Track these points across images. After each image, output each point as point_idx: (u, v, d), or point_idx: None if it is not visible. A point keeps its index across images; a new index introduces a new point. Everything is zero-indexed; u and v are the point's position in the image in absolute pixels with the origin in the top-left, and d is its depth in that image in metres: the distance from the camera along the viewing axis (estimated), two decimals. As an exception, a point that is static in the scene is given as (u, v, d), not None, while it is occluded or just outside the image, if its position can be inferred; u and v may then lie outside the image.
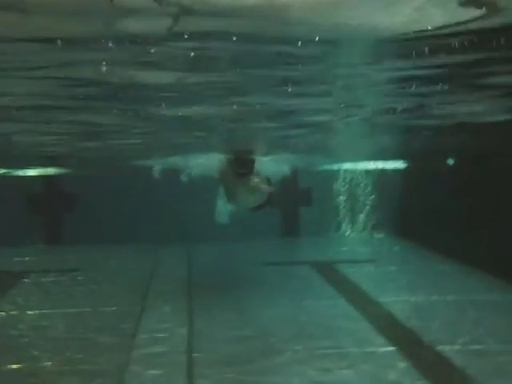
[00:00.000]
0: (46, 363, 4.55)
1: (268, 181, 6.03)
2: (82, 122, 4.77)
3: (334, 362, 4.43)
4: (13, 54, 2.77)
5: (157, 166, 7.83)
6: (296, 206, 10.16)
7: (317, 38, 2.48)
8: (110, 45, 2.51)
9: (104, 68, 3.00)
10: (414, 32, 2.46)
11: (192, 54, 2.68)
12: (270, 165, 6.51)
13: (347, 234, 10.46)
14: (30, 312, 6.04)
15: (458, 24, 2.36)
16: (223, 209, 6.61)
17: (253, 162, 5.68)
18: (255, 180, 5.58)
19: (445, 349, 4.67)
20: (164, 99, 3.89)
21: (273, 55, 2.80)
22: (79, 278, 7.54)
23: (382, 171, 10.26)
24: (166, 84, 3.41)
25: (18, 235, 9.46)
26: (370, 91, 3.77)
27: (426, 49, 2.76)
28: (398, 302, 6.10)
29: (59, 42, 2.50)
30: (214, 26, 2.32)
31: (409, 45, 2.69)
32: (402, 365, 4.37)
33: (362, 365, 4.38)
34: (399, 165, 10.02)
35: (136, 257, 8.86)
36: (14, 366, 4.49)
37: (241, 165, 5.65)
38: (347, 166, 10.25)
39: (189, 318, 5.62)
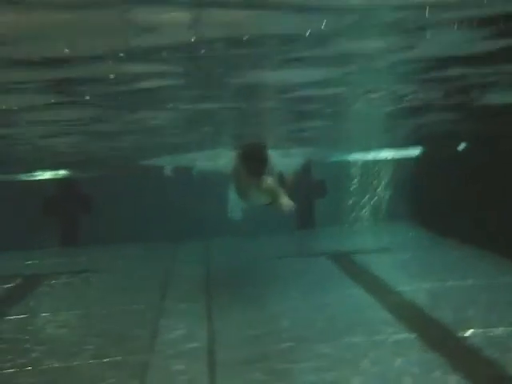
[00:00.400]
0: (74, 362, 4.62)
1: (281, 176, 5.99)
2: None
3: (355, 353, 4.43)
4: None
5: (169, 164, 7.86)
6: (310, 198, 10.15)
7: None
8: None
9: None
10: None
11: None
12: (283, 158, 6.49)
13: (362, 223, 10.43)
14: (47, 314, 6.10)
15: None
16: (235, 204, 6.59)
17: (265, 161, 5.62)
18: (268, 182, 5.55)
19: (465, 333, 4.67)
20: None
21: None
22: (96, 279, 7.60)
23: (395, 159, 10.22)
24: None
25: (33, 238, 9.53)
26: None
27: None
28: (415, 289, 6.10)
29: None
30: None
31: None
32: (424, 351, 4.38)
33: (383, 354, 4.39)
34: (412, 152, 9.98)
35: (152, 255, 8.91)
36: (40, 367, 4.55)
37: (253, 165, 5.59)
38: (360, 155, 10.21)
39: (208, 315, 5.64)
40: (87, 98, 3.95)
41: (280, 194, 5.50)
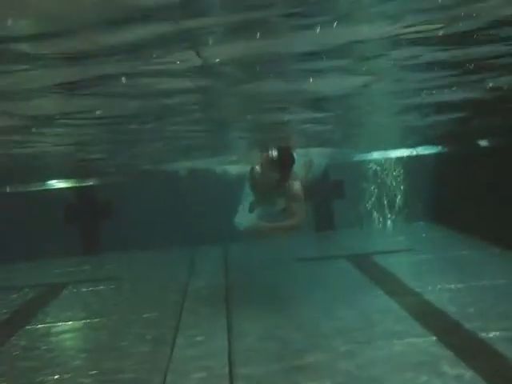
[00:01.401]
0: (88, 372, 4.62)
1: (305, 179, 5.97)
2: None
3: (374, 355, 4.39)
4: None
5: (187, 169, 7.89)
6: (329, 200, 10.10)
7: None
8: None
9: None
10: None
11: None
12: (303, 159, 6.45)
13: (382, 224, 10.34)
14: (71, 322, 6.15)
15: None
16: (244, 213, 6.58)
17: (293, 165, 5.62)
18: (295, 187, 5.57)
19: (487, 336, 4.58)
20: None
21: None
22: (117, 286, 7.63)
23: (414, 158, 10.10)
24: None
25: (55, 247, 9.61)
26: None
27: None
28: (436, 290, 6.01)
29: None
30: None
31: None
32: (444, 354, 4.30)
33: (404, 357, 4.33)
34: (431, 150, 9.86)
35: (172, 261, 8.95)
36: (57, 377, 4.57)
37: (284, 169, 5.58)
38: (378, 155, 10.13)
39: (228, 319, 5.62)
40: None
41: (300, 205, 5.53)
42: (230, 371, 4.32)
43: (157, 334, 5.41)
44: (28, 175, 8.89)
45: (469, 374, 3.94)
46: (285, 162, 5.64)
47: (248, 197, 6.38)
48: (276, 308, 5.81)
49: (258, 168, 5.94)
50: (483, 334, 4.61)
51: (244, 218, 6.51)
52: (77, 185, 9.97)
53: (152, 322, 5.83)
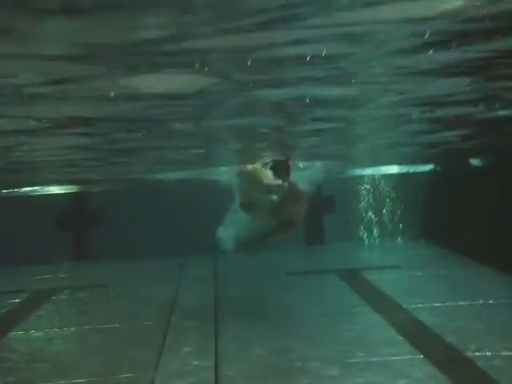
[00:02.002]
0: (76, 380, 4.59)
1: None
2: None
3: (360, 372, 4.37)
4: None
5: (178, 178, 7.89)
6: (320, 214, 10.10)
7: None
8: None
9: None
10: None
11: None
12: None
13: (372, 240, 10.35)
14: (59, 329, 6.12)
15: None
16: (226, 235, 6.59)
17: (289, 170, 5.63)
18: (299, 187, 5.58)
19: (474, 355, 4.58)
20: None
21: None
22: (106, 294, 7.62)
23: (407, 175, 10.15)
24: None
25: (44, 252, 9.56)
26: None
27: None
28: (424, 308, 6.01)
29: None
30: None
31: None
32: (430, 373, 4.29)
33: (390, 374, 4.31)
34: (423, 168, 9.90)
35: (162, 270, 8.90)
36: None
37: (280, 170, 5.59)
38: (370, 171, 10.16)
39: (215, 332, 5.59)
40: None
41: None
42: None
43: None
44: (18, 180, 8.87)
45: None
46: (282, 172, 5.63)
47: (237, 212, 6.37)
48: (263, 325, 5.77)
49: (250, 187, 5.89)
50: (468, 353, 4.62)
51: (230, 231, 6.50)
52: (68, 191, 9.95)
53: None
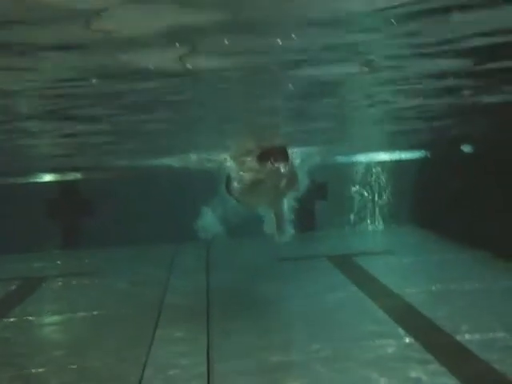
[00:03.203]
0: (68, 366, 4.60)
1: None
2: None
3: (353, 358, 4.39)
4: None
5: (169, 165, 7.84)
6: (312, 200, 10.10)
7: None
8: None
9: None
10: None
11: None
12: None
13: (364, 226, 10.39)
14: (48, 317, 6.13)
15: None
16: (211, 223, 6.56)
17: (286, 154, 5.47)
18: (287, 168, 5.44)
19: (464, 338, 4.62)
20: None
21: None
22: (95, 282, 7.60)
23: (399, 162, 10.17)
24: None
25: (34, 241, 9.53)
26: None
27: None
28: (415, 292, 6.06)
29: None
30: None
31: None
32: (421, 356, 4.33)
33: (382, 358, 4.34)
34: (415, 154, 9.92)
35: (152, 257, 8.89)
36: (39, 370, 4.54)
37: (276, 154, 5.42)
38: (362, 157, 10.17)
39: (207, 318, 5.60)
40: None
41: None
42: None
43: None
44: (8, 169, 8.80)
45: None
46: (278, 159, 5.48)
47: (221, 204, 6.33)
48: (255, 311, 5.79)
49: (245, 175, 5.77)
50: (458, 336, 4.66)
51: (207, 222, 6.50)
52: (58, 179, 9.90)
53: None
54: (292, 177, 5.57)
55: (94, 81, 3.23)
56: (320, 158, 8.09)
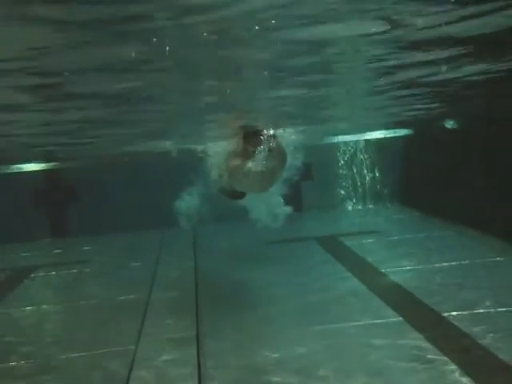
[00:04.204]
0: (59, 356, 4.62)
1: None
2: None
3: (342, 337, 4.45)
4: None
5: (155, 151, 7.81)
6: (298, 181, 10.10)
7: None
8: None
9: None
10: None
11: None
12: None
13: (350, 206, 10.44)
14: (40, 306, 6.12)
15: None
16: (190, 211, 6.54)
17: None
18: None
19: (451, 314, 4.68)
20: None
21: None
22: (86, 270, 7.61)
23: (383, 140, 10.19)
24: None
25: (24, 231, 9.49)
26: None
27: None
28: (402, 271, 6.12)
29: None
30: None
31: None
32: (411, 334, 4.38)
33: (372, 337, 4.39)
34: (399, 133, 9.95)
35: (140, 244, 8.90)
36: (23, 362, 4.55)
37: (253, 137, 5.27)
38: (347, 137, 10.18)
39: (196, 302, 5.64)
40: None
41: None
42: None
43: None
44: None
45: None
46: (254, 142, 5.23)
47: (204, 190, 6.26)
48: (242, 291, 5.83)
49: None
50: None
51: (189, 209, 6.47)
52: (44, 168, 9.84)
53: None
54: (281, 158, 5.50)
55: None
56: (306, 139, 8.05)
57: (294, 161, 6.05)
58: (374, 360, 4.00)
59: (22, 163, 9.70)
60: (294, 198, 10.05)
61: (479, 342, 4.11)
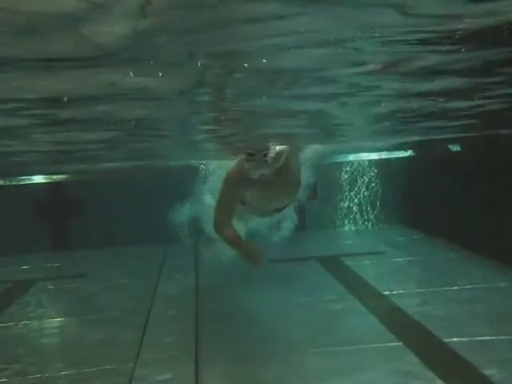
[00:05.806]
0: (58, 373, 4.58)
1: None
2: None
3: (341, 360, 4.40)
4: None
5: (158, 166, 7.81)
6: (301, 201, 10.08)
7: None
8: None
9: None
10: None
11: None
12: None
13: (354, 226, 10.40)
14: (37, 321, 6.09)
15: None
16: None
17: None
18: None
19: (452, 341, 4.63)
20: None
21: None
22: (86, 284, 7.58)
23: (387, 161, 10.17)
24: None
25: (25, 243, 9.48)
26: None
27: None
28: (405, 294, 6.07)
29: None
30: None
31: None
32: (410, 359, 4.34)
33: (371, 361, 4.35)
34: (404, 154, 9.92)
35: (143, 258, 8.88)
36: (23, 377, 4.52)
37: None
38: (351, 157, 10.17)
39: (196, 321, 5.61)
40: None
41: None
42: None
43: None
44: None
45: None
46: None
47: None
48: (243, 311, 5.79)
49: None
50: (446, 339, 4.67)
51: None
52: (46, 181, 9.84)
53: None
54: (296, 176, 5.41)
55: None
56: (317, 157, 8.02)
57: (307, 179, 6.08)
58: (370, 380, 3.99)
59: (26, 175, 9.71)
60: (299, 216, 10.10)
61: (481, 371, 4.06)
